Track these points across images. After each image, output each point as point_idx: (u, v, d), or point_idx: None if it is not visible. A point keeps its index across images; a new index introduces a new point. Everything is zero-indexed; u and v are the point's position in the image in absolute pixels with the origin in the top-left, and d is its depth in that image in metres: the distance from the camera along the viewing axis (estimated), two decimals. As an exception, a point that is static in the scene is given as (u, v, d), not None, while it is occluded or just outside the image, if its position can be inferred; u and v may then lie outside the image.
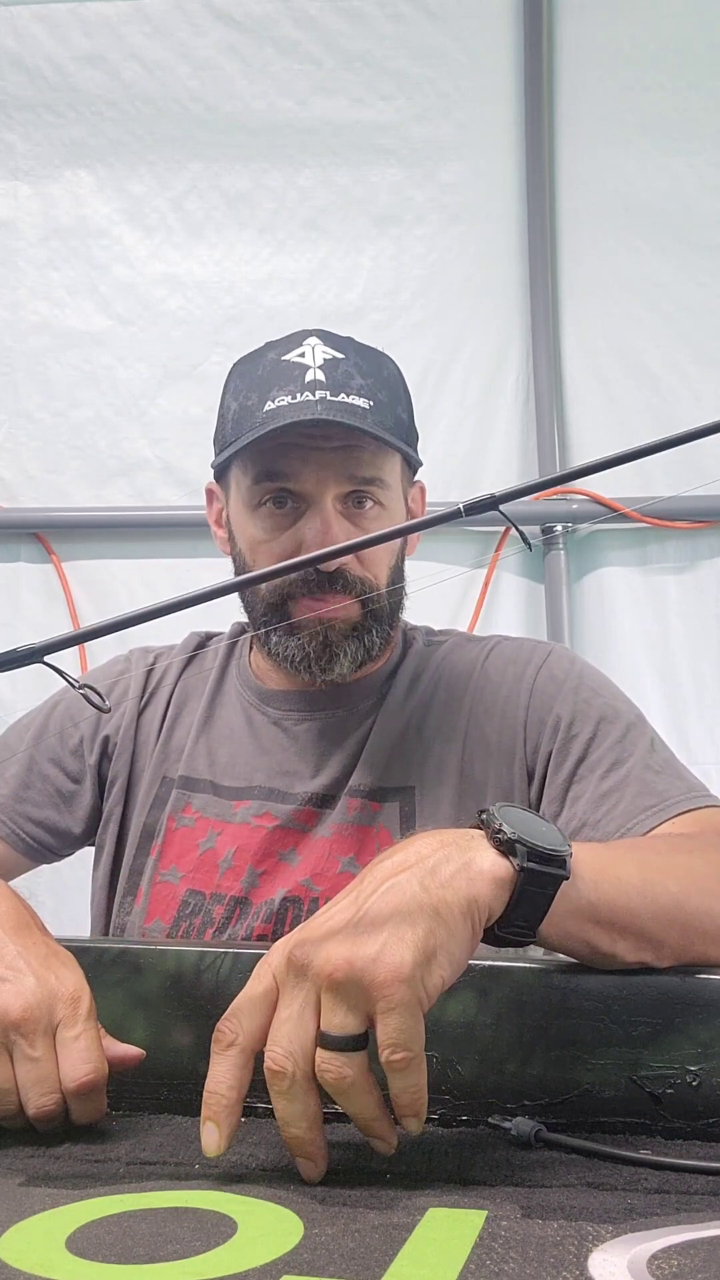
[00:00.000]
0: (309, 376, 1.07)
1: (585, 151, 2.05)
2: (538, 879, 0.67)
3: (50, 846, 1.20)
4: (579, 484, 1.98)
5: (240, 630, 1.24)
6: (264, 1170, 0.65)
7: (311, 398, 1.06)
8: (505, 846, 0.68)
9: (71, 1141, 0.70)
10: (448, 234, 2.08)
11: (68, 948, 0.78)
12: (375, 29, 2.06)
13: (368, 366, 1.10)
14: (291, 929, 1.02)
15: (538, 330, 2.04)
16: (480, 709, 1.13)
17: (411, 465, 1.17)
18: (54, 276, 2.15)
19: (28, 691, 1.28)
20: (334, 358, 1.09)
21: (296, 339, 1.12)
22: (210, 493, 1.21)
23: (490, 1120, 0.70)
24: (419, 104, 2.07)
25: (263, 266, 2.12)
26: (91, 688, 0.74)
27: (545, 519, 1.99)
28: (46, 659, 0.70)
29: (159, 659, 1.25)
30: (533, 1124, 0.68)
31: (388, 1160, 0.66)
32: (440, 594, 1.99)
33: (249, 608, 1.15)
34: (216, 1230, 0.56)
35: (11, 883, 1.18)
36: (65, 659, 0.72)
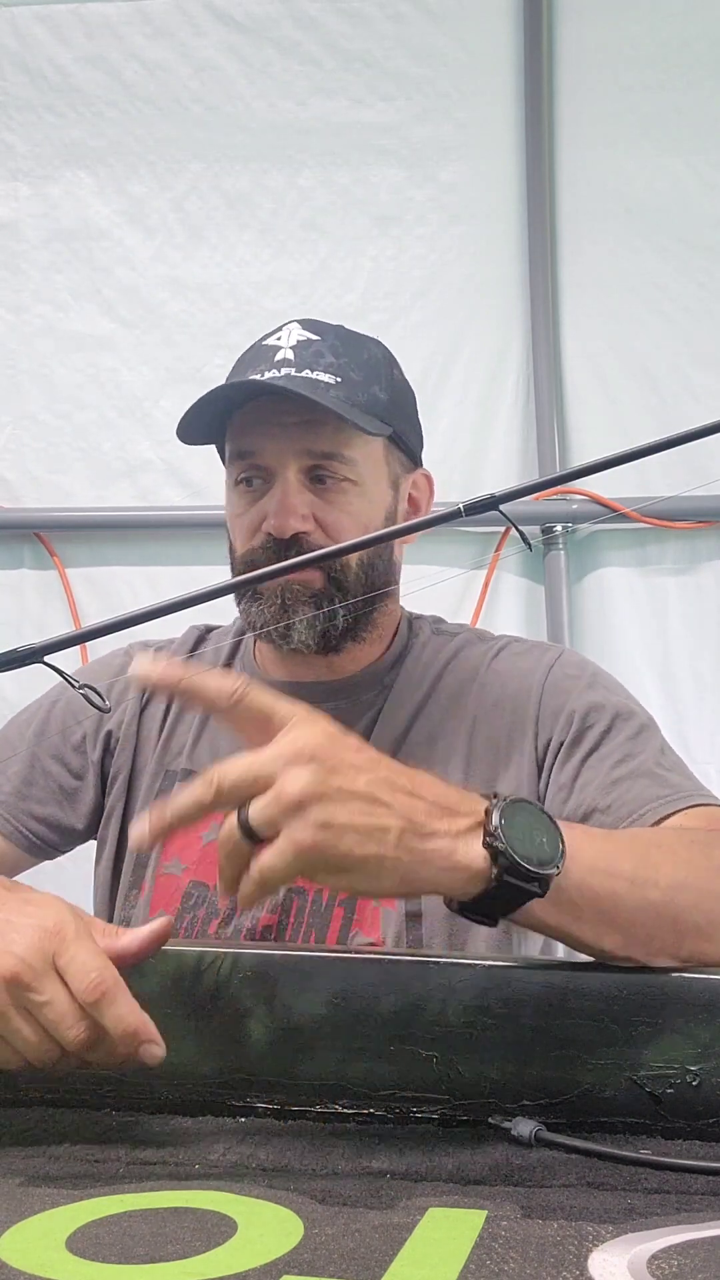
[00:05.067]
0: (279, 356, 1.11)
1: (585, 151, 2.05)
2: (510, 890, 0.69)
3: (52, 843, 1.20)
4: (579, 484, 1.98)
5: (245, 624, 1.24)
6: (264, 1170, 0.65)
7: (277, 374, 1.08)
8: (491, 851, 0.69)
9: (71, 1141, 0.70)
10: (448, 234, 2.08)
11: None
12: (375, 29, 2.06)
13: (345, 348, 1.12)
14: (296, 918, 1.05)
15: (538, 330, 2.04)
16: (489, 702, 1.13)
17: (403, 448, 1.16)
18: (57, 280, 2.15)
19: (34, 690, 1.28)
20: (308, 339, 1.11)
21: (280, 326, 1.14)
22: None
23: (490, 1120, 0.70)
24: (419, 104, 2.07)
25: (263, 268, 2.12)
26: (92, 688, 0.74)
27: (545, 519, 1.99)
28: (47, 659, 0.70)
29: (159, 653, 1.25)
30: (533, 1124, 0.68)
31: (388, 1160, 0.66)
32: (440, 594, 1.99)
33: (231, 568, 1.16)
34: (216, 1230, 0.56)
35: (22, 878, 1.20)
36: (66, 659, 0.73)
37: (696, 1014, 0.70)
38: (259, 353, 1.13)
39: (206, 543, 1.97)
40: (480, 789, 0.76)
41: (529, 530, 2.00)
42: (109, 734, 1.20)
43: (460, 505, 0.70)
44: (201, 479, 2.07)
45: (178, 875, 1.12)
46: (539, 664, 1.14)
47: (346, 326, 1.16)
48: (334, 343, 1.12)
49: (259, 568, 1.08)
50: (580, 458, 2.04)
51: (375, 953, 0.89)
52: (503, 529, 1.98)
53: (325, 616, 1.10)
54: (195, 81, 2.10)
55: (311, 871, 0.68)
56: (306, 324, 1.14)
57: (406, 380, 1.20)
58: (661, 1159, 0.65)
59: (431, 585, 1.98)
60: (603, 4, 2.03)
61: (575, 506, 1.98)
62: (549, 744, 1.09)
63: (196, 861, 1.12)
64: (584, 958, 0.76)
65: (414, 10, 2.05)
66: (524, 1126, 0.68)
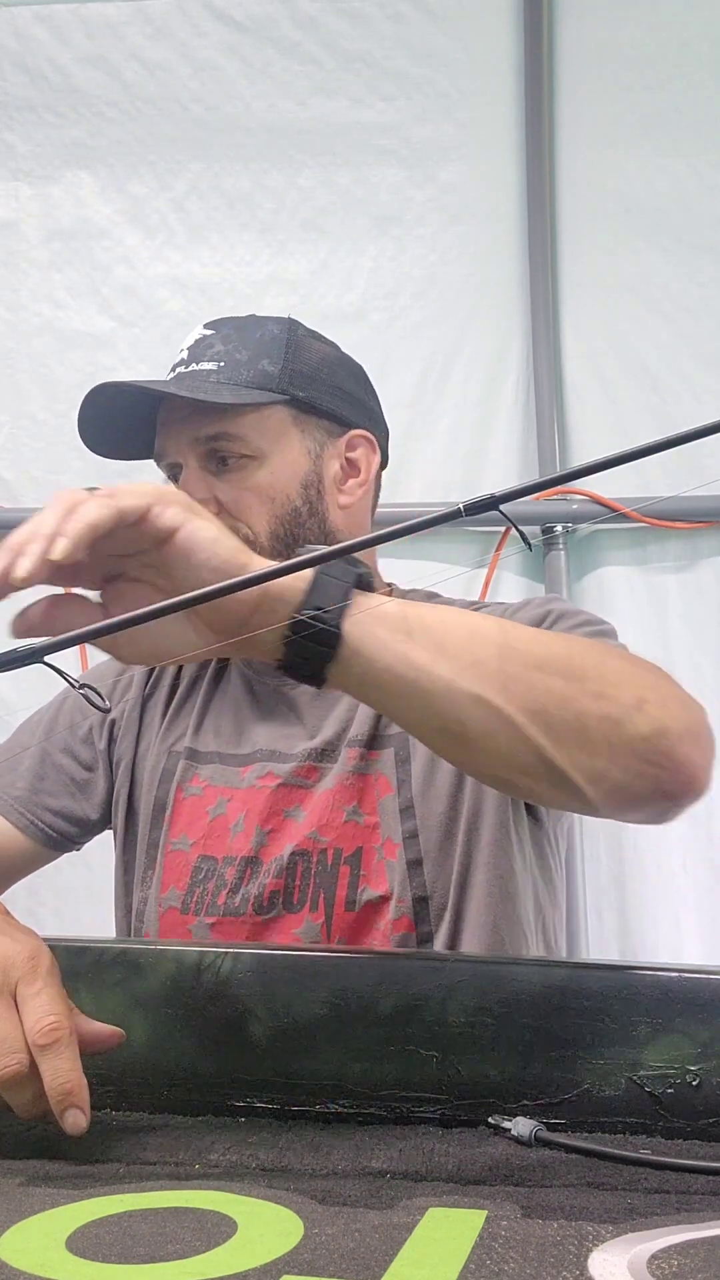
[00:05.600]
0: (178, 359, 1.17)
1: (585, 151, 2.04)
2: (332, 568, 0.73)
3: (70, 835, 1.23)
4: (579, 484, 1.98)
5: None
6: (264, 1170, 0.65)
7: (172, 377, 1.16)
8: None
9: (71, 1142, 0.70)
10: (448, 234, 2.08)
11: (66, 948, 0.78)
12: (375, 30, 2.06)
13: (236, 334, 1.15)
14: (302, 880, 1.09)
15: (538, 330, 2.03)
16: None
17: (321, 413, 1.16)
18: (56, 278, 2.15)
19: (33, 689, 1.29)
20: (203, 335, 1.17)
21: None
22: None
23: (490, 1120, 0.70)
24: (419, 104, 2.07)
25: (264, 268, 2.12)
26: (91, 687, 0.74)
27: (545, 519, 1.99)
28: (46, 659, 0.70)
29: None
30: (533, 1124, 0.68)
31: (388, 1160, 0.66)
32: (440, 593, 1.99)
33: None
34: (216, 1230, 0.56)
35: (20, 881, 1.23)
36: (66, 659, 0.72)
37: (696, 1014, 0.70)
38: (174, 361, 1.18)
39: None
40: None
41: (529, 530, 2.00)
42: (113, 723, 1.23)
43: (460, 505, 0.70)
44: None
45: (185, 851, 1.13)
46: (501, 608, 1.17)
47: (258, 315, 1.19)
48: (227, 332, 1.16)
49: None
50: (580, 458, 2.03)
51: (375, 953, 0.90)
52: (503, 529, 1.98)
53: None
54: (195, 81, 2.10)
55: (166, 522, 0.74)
56: (210, 323, 1.18)
57: (333, 349, 1.21)
58: (661, 1159, 0.65)
59: (432, 586, 1.98)
60: (603, 4, 2.02)
61: (575, 506, 1.98)
62: None
63: (203, 836, 1.13)
64: (584, 958, 0.76)
65: (414, 10, 2.05)
66: (524, 1126, 0.68)
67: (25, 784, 1.21)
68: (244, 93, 2.10)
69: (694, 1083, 0.69)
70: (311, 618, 0.73)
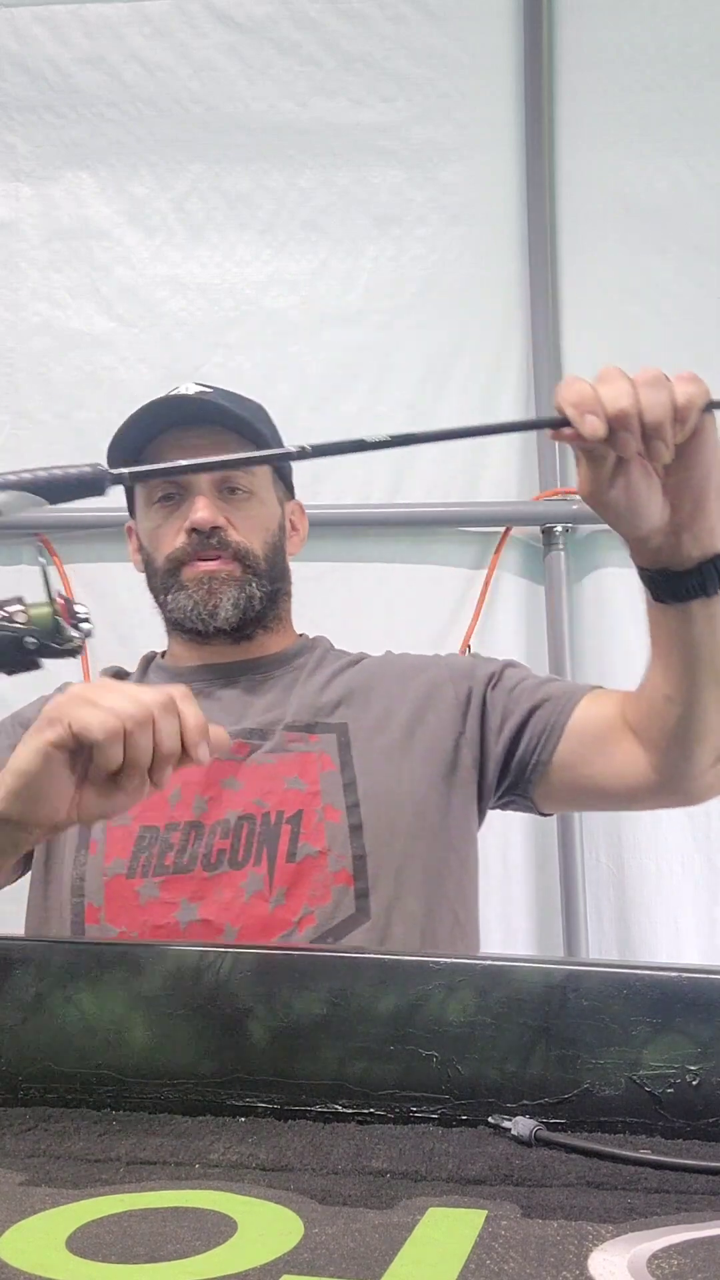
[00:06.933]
0: (182, 391, 1.32)
1: (585, 152, 2.04)
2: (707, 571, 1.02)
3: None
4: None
5: (151, 656, 1.44)
6: (264, 1170, 0.65)
7: (186, 394, 1.31)
8: None
9: (71, 1142, 0.70)
10: (448, 234, 2.08)
11: (66, 948, 0.78)
12: (375, 30, 2.06)
13: (236, 398, 1.33)
14: (247, 841, 1.22)
15: (538, 330, 2.03)
16: (394, 673, 1.33)
17: (283, 479, 1.38)
18: (56, 278, 2.15)
19: (27, 687, 1.31)
20: (203, 389, 1.33)
21: (175, 387, 1.35)
22: (130, 530, 1.40)
23: (490, 1120, 0.70)
24: (419, 105, 2.07)
25: (264, 268, 2.12)
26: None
27: (545, 519, 1.99)
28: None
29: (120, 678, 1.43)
30: (533, 1124, 0.69)
31: (388, 1160, 0.66)
32: (441, 594, 1.99)
33: (150, 580, 1.35)
34: (216, 1230, 0.56)
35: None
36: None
37: (696, 1014, 0.70)
38: (163, 403, 1.30)
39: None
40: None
41: (529, 530, 2.01)
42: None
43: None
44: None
45: (127, 824, 1.24)
46: (428, 654, 1.40)
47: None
48: (225, 392, 1.33)
49: (183, 564, 1.30)
50: (580, 458, 2.04)
51: (375, 952, 0.90)
52: (502, 530, 1.98)
53: (245, 601, 1.30)
54: (195, 81, 2.10)
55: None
56: (199, 383, 1.35)
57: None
58: (661, 1159, 0.65)
59: (432, 586, 1.98)
60: (603, 4, 2.02)
61: (575, 507, 1.98)
62: (470, 691, 1.30)
63: (142, 809, 1.24)
64: (584, 957, 0.76)
65: (414, 11, 2.05)
66: (524, 1126, 0.68)
67: None
68: (244, 93, 2.10)
69: (694, 1082, 0.69)
70: None
